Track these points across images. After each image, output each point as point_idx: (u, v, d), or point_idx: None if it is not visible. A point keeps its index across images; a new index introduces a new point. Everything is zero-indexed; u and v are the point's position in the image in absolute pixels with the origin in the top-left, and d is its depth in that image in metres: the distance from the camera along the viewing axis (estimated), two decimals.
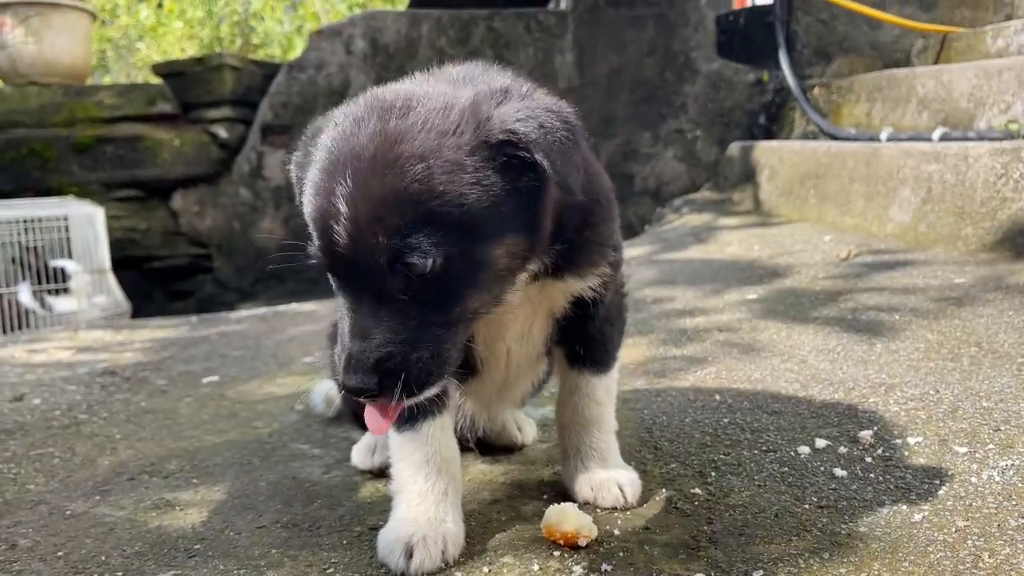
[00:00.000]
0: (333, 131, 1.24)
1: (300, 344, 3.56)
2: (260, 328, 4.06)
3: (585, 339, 1.65)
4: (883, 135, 4.97)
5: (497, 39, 6.57)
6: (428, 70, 1.57)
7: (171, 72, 6.86)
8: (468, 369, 1.60)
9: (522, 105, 1.23)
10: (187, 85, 6.72)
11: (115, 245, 6.13)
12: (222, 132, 6.72)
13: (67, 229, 5.76)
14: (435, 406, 1.55)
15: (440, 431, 1.59)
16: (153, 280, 6.83)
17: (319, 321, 4.13)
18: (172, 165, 6.62)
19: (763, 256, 4.14)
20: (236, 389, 2.88)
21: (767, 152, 5.62)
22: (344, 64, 6.55)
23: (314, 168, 1.24)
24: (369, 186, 1.15)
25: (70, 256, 5.79)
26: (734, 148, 6.11)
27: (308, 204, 1.23)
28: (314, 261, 1.24)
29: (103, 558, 1.59)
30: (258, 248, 6.70)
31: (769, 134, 6.60)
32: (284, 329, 3.97)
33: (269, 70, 6.97)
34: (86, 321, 5.04)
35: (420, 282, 1.18)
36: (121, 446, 2.30)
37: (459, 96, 1.25)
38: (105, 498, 1.91)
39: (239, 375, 3.08)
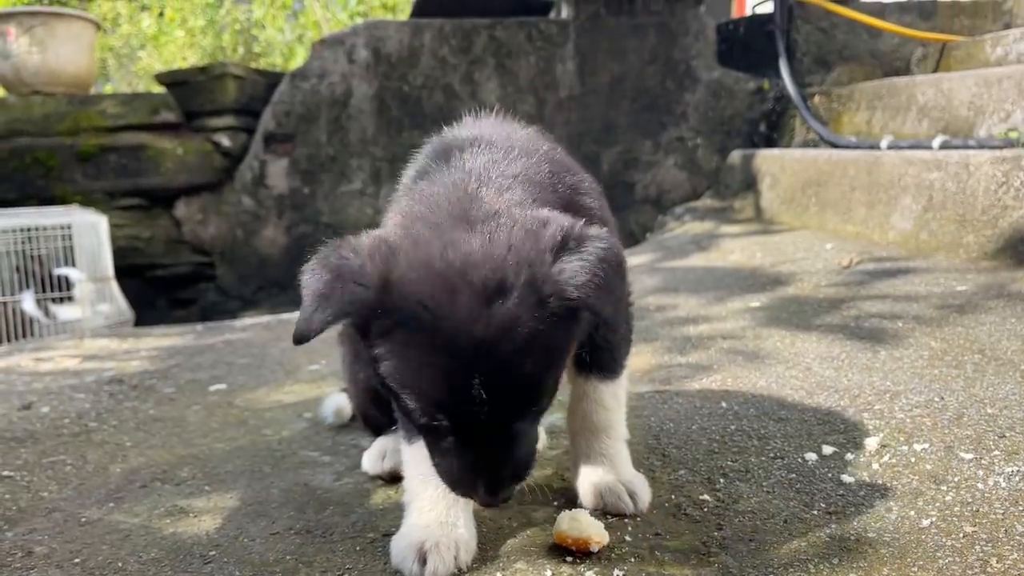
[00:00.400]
0: (436, 319, 1.22)
1: (306, 352, 3.57)
2: (265, 336, 4.08)
3: (592, 347, 1.67)
4: (883, 143, 5.00)
5: (499, 48, 6.61)
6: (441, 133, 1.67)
7: (174, 81, 6.89)
8: None
9: (583, 264, 1.26)
10: (190, 94, 6.75)
11: (118, 253, 6.15)
12: (225, 141, 6.74)
13: (71, 237, 5.78)
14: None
15: None
16: (156, 288, 6.84)
17: None
18: (175, 174, 6.64)
19: (765, 264, 4.17)
20: (244, 397, 2.90)
21: (768, 160, 5.66)
22: (347, 73, 6.58)
23: (429, 358, 1.24)
24: (506, 376, 1.24)
25: (73, 264, 5.81)
26: (735, 156, 6.14)
27: (435, 390, 1.26)
28: (443, 427, 1.30)
29: (120, 564, 1.61)
30: (261, 256, 6.72)
31: (770, 142, 6.63)
32: (289, 337, 3.99)
33: (272, 79, 7.00)
34: (90, 329, 5.06)
35: (535, 415, 1.37)
36: (132, 453, 2.31)
37: (521, 253, 1.26)
38: (119, 505, 1.92)
39: (246, 383, 3.10)
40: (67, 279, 5.72)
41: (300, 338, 1.28)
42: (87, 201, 6.36)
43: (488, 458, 1.32)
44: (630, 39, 6.67)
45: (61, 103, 6.68)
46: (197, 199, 6.74)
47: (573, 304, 1.25)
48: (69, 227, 5.73)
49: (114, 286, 5.94)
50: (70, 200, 6.33)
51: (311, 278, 1.27)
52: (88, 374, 3.36)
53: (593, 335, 1.65)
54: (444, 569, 1.48)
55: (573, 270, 1.25)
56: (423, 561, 1.48)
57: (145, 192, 6.66)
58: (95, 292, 5.86)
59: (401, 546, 1.53)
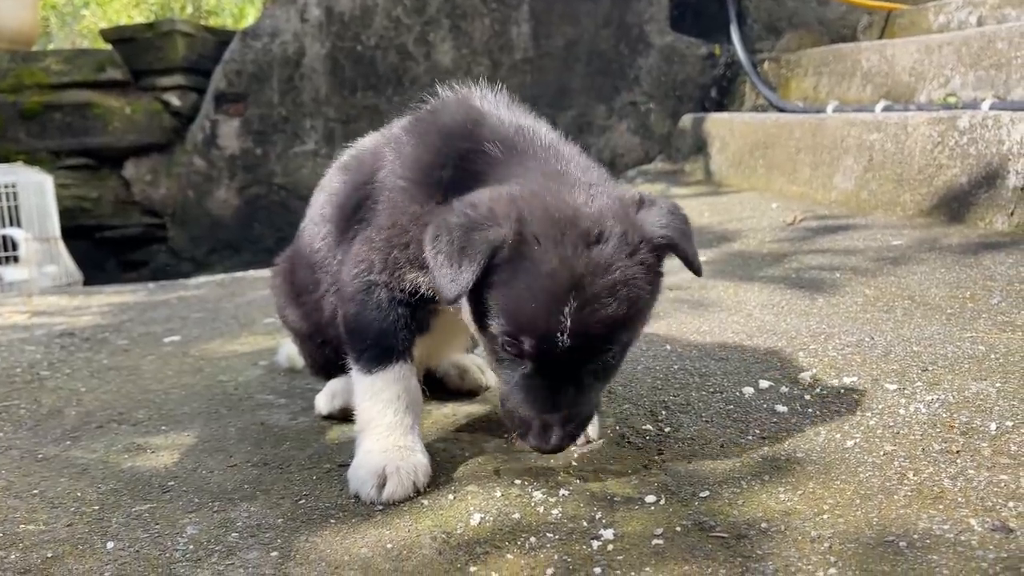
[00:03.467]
0: (544, 251, 1.37)
1: (260, 307, 3.59)
2: (219, 293, 4.07)
3: None
4: (829, 108, 5.14)
5: (453, 9, 6.58)
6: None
7: (120, 38, 6.72)
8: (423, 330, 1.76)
9: (661, 212, 1.47)
10: (137, 52, 6.60)
11: (65, 214, 6.04)
12: (174, 100, 6.63)
13: (15, 197, 5.66)
14: (406, 352, 1.69)
15: (409, 372, 1.69)
16: (105, 250, 6.74)
17: None
18: (123, 133, 6.51)
19: (713, 222, 4.28)
20: (199, 348, 2.92)
21: (718, 124, 5.76)
22: (299, 32, 6.50)
23: (531, 282, 1.37)
24: (593, 311, 1.36)
25: (19, 224, 5.70)
26: (686, 120, 6.24)
27: (527, 312, 1.38)
28: (524, 351, 1.40)
29: (79, 494, 1.64)
30: (213, 218, 6.65)
31: (720, 107, 6.74)
32: (243, 293, 3.99)
33: (222, 37, 6.87)
34: (39, 289, 4.98)
35: (615, 356, 1.47)
36: (87, 398, 2.33)
37: (614, 209, 1.43)
38: (76, 443, 1.95)
39: (201, 335, 3.11)
40: (12, 239, 5.61)
41: (455, 296, 1.39)
42: (32, 160, 6.22)
43: (552, 399, 1.41)
44: (584, 2, 6.70)
45: (3, 59, 6.49)
46: (147, 159, 6.63)
47: (662, 246, 1.43)
48: (14, 186, 5.61)
49: (61, 247, 5.84)
50: (14, 159, 6.18)
51: (444, 240, 1.40)
52: (38, 328, 3.33)
53: None
54: (402, 492, 1.56)
55: (654, 218, 1.45)
56: (382, 485, 1.56)
57: (92, 151, 6.53)
58: (41, 253, 5.76)
59: (359, 473, 1.60)
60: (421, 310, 1.69)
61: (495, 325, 1.41)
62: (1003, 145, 3.30)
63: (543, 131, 1.67)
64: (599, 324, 1.36)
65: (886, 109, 4.60)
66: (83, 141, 6.47)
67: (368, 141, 1.96)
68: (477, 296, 1.43)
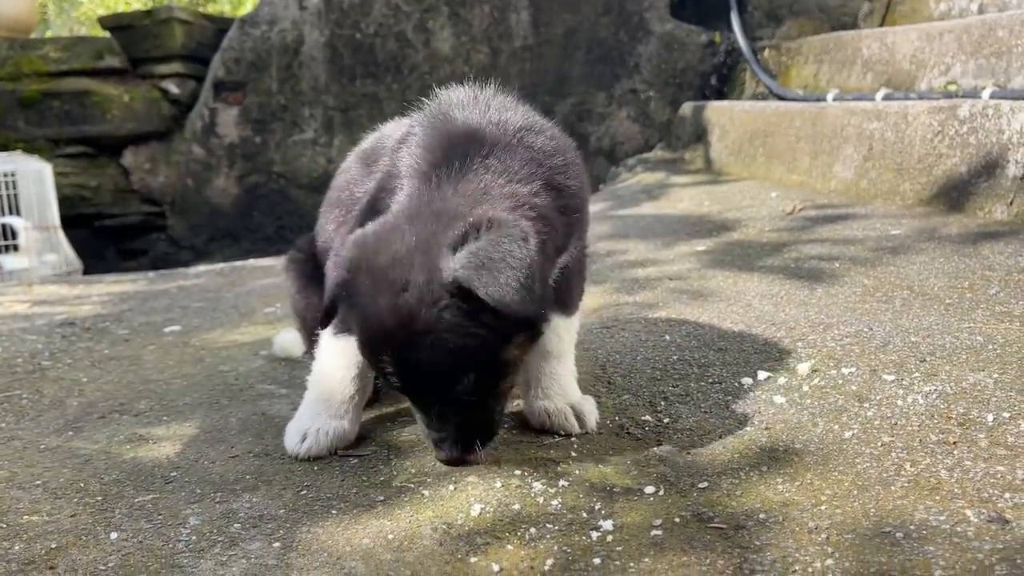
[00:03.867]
0: (363, 301, 1.44)
1: (260, 296, 3.60)
2: (219, 282, 4.08)
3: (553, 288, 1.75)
4: (829, 96, 5.13)
5: None
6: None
7: (118, 25, 6.70)
8: None
9: (473, 248, 1.38)
10: (135, 39, 6.58)
11: (64, 203, 6.03)
12: (173, 88, 6.62)
13: (15, 185, 5.66)
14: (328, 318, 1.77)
15: None
16: (104, 239, 6.74)
17: (278, 275, 4.15)
18: (122, 121, 6.50)
19: (713, 211, 4.28)
20: (199, 338, 2.92)
21: (718, 112, 5.75)
22: (297, 20, 6.47)
23: (357, 330, 1.50)
24: (408, 359, 1.41)
25: (18, 213, 5.70)
26: (686, 108, 6.23)
27: (364, 354, 1.52)
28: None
29: (82, 485, 1.65)
30: (212, 206, 6.65)
31: (720, 95, 6.72)
32: (244, 283, 4.00)
33: (221, 24, 6.85)
34: (38, 278, 4.98)
35: (465, 392, 1.46)
36: (88, 388, 2.34)
37: (426, 254, 1.40)
38: (78, 434, 1.96)
39: (201, 325, 3.12)
40: (11, 228, 5.61)
41: (325, 316, 1.58)
42: (30, 148, 6.21)
43: (430, 420, 1.49)
44: None
45: (1, 47, 6.47)
46: (145, 148, 6.62)
47: (459, 289, 1.35)
48: (13, 174, 5.61)
49: (61, 235, 5.84)
50: (12, 147, 6.17)
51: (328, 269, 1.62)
52: (39, 318, 3.34)
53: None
54: (317, 449, 1.74)
55: (461, 257, 1.36)
56: (303, 441, 1.74)
57: (91, 140, 6.52)
58: (41, 241, 5.76)
59: (290, 429, 1.78)
60: None
61: None
62: (1003, 135, 3.29)
63: (479, 130, 1.61)
64: (420, 370, 1.40)
65: (886, 97, 4.59)
66: (82, 129, 6.46)
67: (375, 135, 2.02)
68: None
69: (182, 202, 6.64)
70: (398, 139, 1.75)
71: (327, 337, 1.75)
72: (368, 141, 2.09)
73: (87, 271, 5.81)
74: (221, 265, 4.82)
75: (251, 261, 4.89)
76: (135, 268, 6.38)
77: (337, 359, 1.74)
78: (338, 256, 1.69)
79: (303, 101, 6.60)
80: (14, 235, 5.58)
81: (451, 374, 1.41)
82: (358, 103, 6.60)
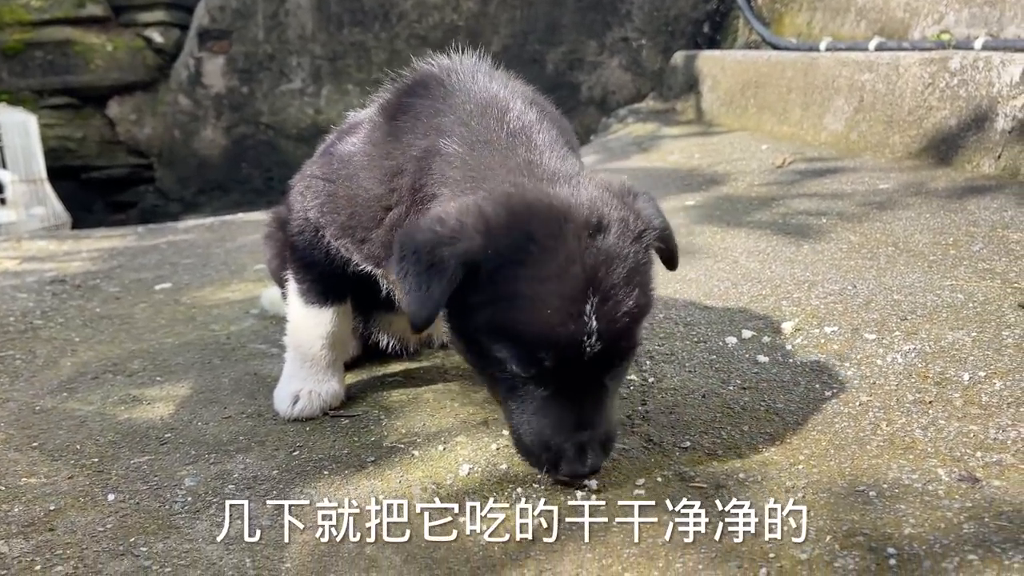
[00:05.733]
0: (544, 251, 1.25)
1: (251, 252, 3.60)
2: (209, 237, 4.07)
3: None
4: (822, 45, 5.08)
5: None
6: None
7: None
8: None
9: (651, 202, 1.41)
10: None
11: (50, 155, 5.98)
12: (157, 37, 6.51)
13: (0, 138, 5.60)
14: (340, 297, 1.78)
15: (343, 315, 1.80)
16: (92, 191, 6.70)
17: None
18: (105, 71, 6.41)
19: (703, 164, 4.27)
20: (190, 295, 2.94)
21: (710, 62, 5.70)
22: None
23: (536, 289, 1.25)
24: (616, 304, 1.26)
25: (4, 166, 5.65)
26: (678, 57, 6.16)
27: (541, 322, 1.25)
28: (544, 368, 1.28)
29: (78, 447, 1.69)
30: (201, 158, 6.60)
31: (713, 43, 6.65)
32: (233, 238, 4.00)
33: None
34: (27, 232, 4.97)
35: (622, 370, 1.38)
36: (81, 348, 2.36)
37: (605, 197, 1.34)
38: (72, 395, 1.99)
39: (192, 282, 3.13)
40: None
41: (426, 320, 1.27)
42: (14, 100, 6.13)
43: (580, 415, 1.31)
44: None
45: None
46: (130, 98, 6.54)
47: (657, 239, 1.37)
48: None
49: (48, 188, 5.80)
50: None
51: (411, 260, 1.27)
52: (29, 275, 3.34)
53: None
54: (310, 410, 1.77)
55: (648, 211, 1.38)
56: (295, 403, 1.77)
57: (75, 90, 6.43)
58: (28, 194, 5.72)
59: (280, 394, 1.81)
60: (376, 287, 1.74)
61: (498, 350, 1.29)
62: (993, 87, 3.29)
63: (516, 112, 1.50)
64: (624, 318, 1.26)
65: (879, 47, 4.55)
66: (65, 80, 6.36)
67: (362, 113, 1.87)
68: (462, 324, 1.34)
69: (169, 154, 6.58)
70: (398, 108, 1.61)
71: (300, 306, 1.78)
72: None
73: (75, 224, 5.79)
74: (211, 219, 4.81)
75: (240, 215, 4.88)
76: (124, 221, 6.36)
77: (315, 329, 1.77)
78: (442, 222, 1.32)
79: (290, 50, 6.50)
80: (1, 188, 5.54)
81: (640, 324, 1.32)
82: (346, 52, 6.50)
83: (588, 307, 1.23)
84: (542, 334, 1.24)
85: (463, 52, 1.68)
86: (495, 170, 1.41)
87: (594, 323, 1.23)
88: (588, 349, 1.25)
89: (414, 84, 1.63)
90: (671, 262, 1.47)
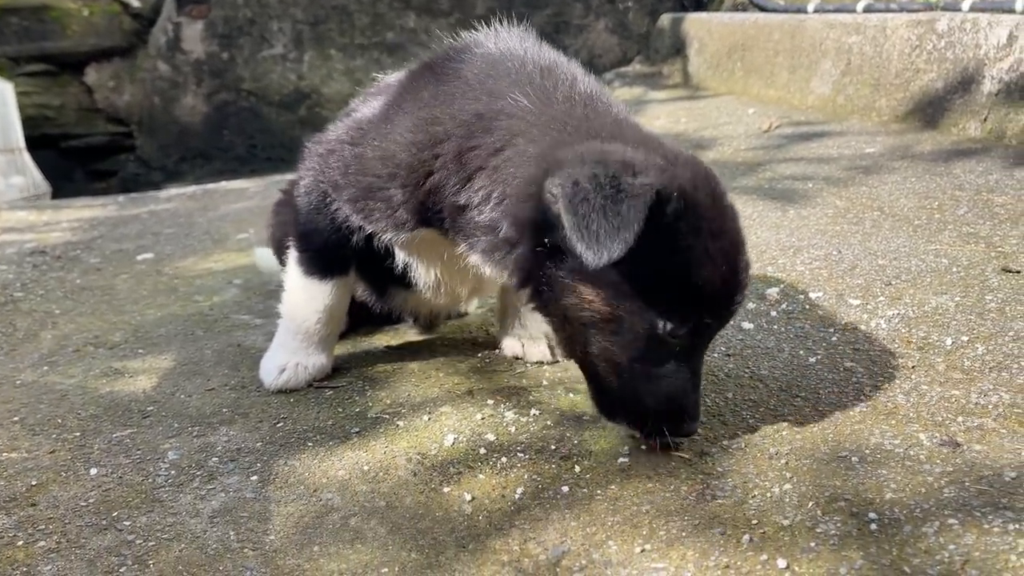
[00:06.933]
0: (712, 207, 1.25)
1: (234, 221, 3.56)
2: (191, 206, 4.03)
3: None
4: (810, 7, 5.03)
5: None
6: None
7: None
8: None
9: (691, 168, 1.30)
10: None
11: (28, 123, 5.87)
12: (134, 1, 6.37)
13: None
14: (342, 270, 1.74)
15: (342, 289, 1.76)
16: (72, 159, 6.59)
17: (251, 198, 4.12)
18: (82, 37, 6.28)
19: (690, 129, 4.24)
20: (172, 266, 2.91)
21: (696, 24, 5.63)
22: None
23: (710, 243, 1.22)
24: (747, 265, 1.30)
25: None
26: (665, 20, 6.09)
27: (709, 276, 1.23)
28: (691, 325, 1.26)
29: (59, 421, 1.67)
30: (182, 125, 6.50)
31: (700, 5, 6.58)
32: (216, 207, 3.96)
33: None
34: (6, 202, 4.89)
35: None
36: (62, 321, 2.33)
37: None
38: (53, 368, 1.97)
39: (174, 252, 3.10)
40: None
41: (616, 253, 1.13)
42: None
43: (696, 376, 1.33)
44: None
45: None
46: (108, 65, 6.42)
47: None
48: None
49: (27, 157, 5.71)
50: None
51: (588, 190, 1.15)
52: (8, 246, 3.30)
53: None
54: (295, 382, 1.76)
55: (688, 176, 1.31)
56: (280, 374, 1.76)
57: (52, 57, 6.30)
58: (7, 164, 5.63)
59: (267, 365, 1.79)
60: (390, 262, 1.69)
61: (655, 299, 1.23)
62: (980, 49, 3.26)
63: (581, 76, 1.50)
64: (749, 279, 1.31)
65: (867, 9, 4.51)
66: (42, 46, 6.23)
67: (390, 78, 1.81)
68: (617, 267, 1.19)
69: (150, 121, 6.48)
70: (444, 73, 1.55)
71: (298, 277, 1.74)
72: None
73: (56, 194, 5.71)
74: (193, 188, 4.75)
75: (223, 184, 4.82)
76: (104, 190, 6.28)
77: (312, 302, 1.73)
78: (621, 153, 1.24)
79: (271, 15, 6.39)
80: None
81: None
82: (328, 16, 6.39)
83: (742, 265, 1.27)
84: (710, 289, 1.23)
85: (507, 24, 1.63)
86: (591, 121, 1.35)
87: (745, 281, 1.28)
88: (734, 308, 1.29)
89: (460, 50, 1.58)
90: None
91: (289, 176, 2.18)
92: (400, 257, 1.69)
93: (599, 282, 1.24)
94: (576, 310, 1.29)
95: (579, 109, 1.39)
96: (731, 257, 1.24)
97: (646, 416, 1.32)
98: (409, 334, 2.06)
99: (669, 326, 1.24)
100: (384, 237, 1.60)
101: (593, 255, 1.13)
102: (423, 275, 1.71)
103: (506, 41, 1.55)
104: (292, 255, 1.76)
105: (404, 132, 1.51)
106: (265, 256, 2.48)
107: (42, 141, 6.18)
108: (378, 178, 1.53)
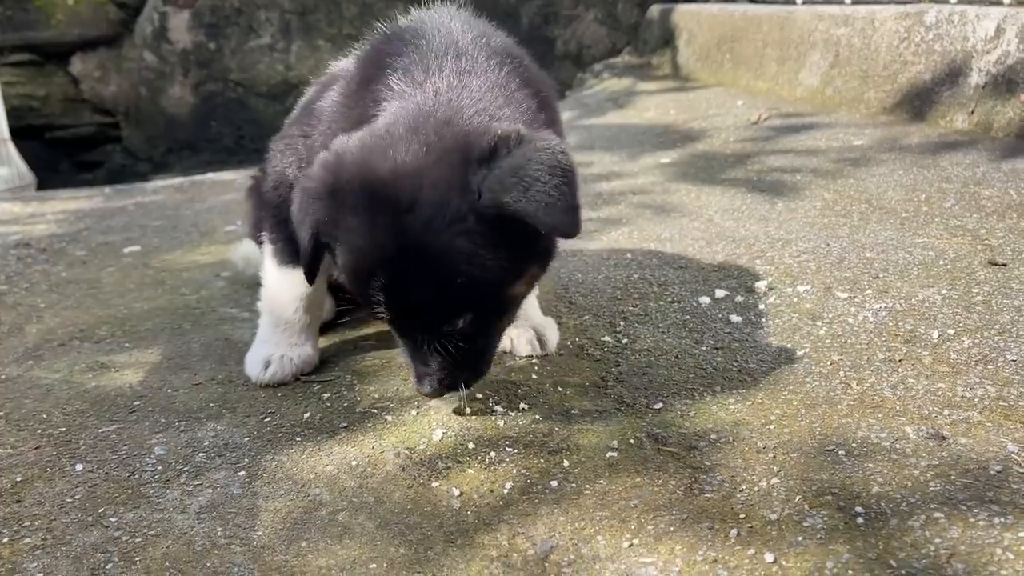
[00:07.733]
0: (354, 223, 1.29)
1: (221, 213, 3.54)
2: (179, 198, 4.00)
3: None
4: None
5: None
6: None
7: None
8: None
9: (511, 165, 1.20)
10: None
11: (13, 113, 5.81)
12: None
13: None
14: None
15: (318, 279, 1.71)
16: (57, 150, 6.53)
17: (239, 190, 4.08)
18: (67, 26, 6.21)
19: (679, 121, 4.24)
20: (159, 259, 2.89)
21: (685, 15, 5.63)
22: None
23: (344, 256, 1.32)
24: (405, 289, 1.28)
25: None
26: (654, 11, 6.08)
27: (351, 283, 1.34)
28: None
29: (44, 416, 1.66)
30: (168, 116, 6.45)
31: None
32: (204, 199, 3.93)
33: None
34: None
35: (462, 331, 1.33)
36: (47, 314, 2.32)
37: (441, 168, 1.23)
38: (38, 363, 1.95)
39: (161, 245, 3.08)
40: None
41: (307, 266, 1.38)
42: None
43: (418, 354, 1.37)
44: None
45: None
46: (94, 55, 6.36)
47: (495, 216, 1.20)
48: None
49: (11, 148, 5.65)
50: None
51: (293, 206, 1.34)
52: None
53: None
54: (282, 375, 1.75)
55: (497, 176, 1.20)
56: (267, 368, 1.75)
57: (36, 47, 6.24)
58: None
59: (252, 359, 1.78)
60: None
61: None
62: (968, 42, 3.27)
63: (468, 57, 1.46)
64: (416, 304, 1.28)
65: (856, 1, 4.51)
66: (26, 36, 6.17)
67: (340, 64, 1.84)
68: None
69: (136, 112, 6.43)
70: (370, 58, 1.60)
71: (274, 268, 1.75)
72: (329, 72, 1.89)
73: (41, 185, 5.65)
74: (180, 180, 4.72)
75: (211, 175, 4.78)
76: (91, 181, 6.22)
77: (289, 291, 1.75)
78: (307, 177, 1.37)
79: (258, 4, 6.34)
80: None
81: (451, 309, 1.28)
82: (316, 6, 6.35)
83: (376, 285, 1.29)
84: (356, 294, 1.36)
85: (444, 3, 1.65)
86: (402, 110, 1.36)
87: (383, 299, 1.31)
88: (388, 317, 1.35)
89: (388, 34, 1.61)
90: (553, 233, 1.33)
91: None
92: None
93: None
94: None
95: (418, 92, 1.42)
96: (361, 275, 1.30)
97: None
98: None
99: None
100: None
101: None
102: None
103: (430, 23, 1.56)
104: (266, 247, 1.78)
105: (336, 120, 1.55)
106: (243, 252, 2.46)
107: (27, 132, 6.12)
108: None
